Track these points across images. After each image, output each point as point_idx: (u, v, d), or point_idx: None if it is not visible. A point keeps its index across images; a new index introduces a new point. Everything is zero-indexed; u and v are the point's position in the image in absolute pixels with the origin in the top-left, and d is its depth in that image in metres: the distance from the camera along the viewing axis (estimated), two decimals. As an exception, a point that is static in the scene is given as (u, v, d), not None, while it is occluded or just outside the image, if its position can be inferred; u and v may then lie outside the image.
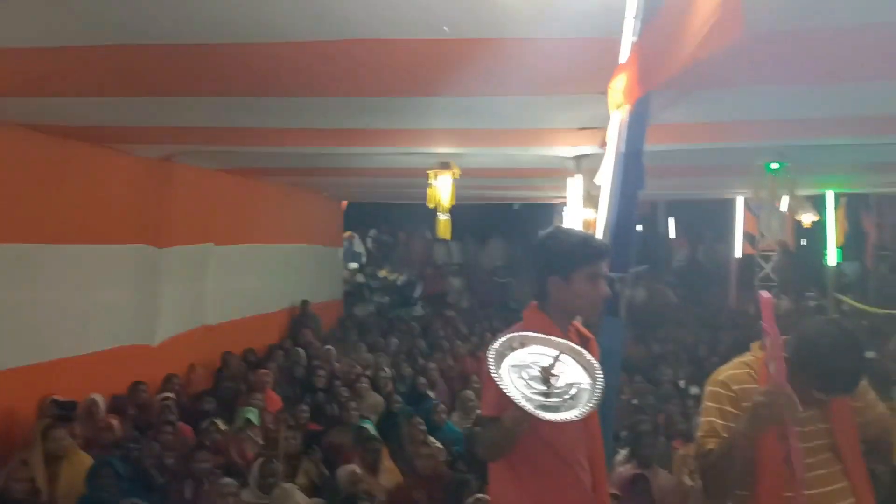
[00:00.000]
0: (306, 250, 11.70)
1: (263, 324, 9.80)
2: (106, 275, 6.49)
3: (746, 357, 2.47)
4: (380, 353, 9.12)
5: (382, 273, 17.05)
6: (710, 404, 2.41)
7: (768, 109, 4.90)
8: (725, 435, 2.31)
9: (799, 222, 11.89)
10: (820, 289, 12.65)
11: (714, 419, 2.37)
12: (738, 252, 13.70)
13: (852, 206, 12.64)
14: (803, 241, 14.44)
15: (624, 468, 5.17)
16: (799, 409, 2.13)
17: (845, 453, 2.34)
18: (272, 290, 10.21)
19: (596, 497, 2.51)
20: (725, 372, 2.45)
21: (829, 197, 11.70)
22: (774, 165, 6.81)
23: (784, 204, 7.14)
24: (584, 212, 6.55)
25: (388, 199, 14.22)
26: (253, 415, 6.11)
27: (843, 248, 12.29)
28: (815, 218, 12.00)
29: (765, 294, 2.11)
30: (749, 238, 13.57)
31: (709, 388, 2.45)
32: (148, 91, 4.48)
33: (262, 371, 7.40)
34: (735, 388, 2.37)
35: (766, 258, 14.03)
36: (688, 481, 5.00)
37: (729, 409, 2.35)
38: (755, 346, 2.48)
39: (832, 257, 11.97)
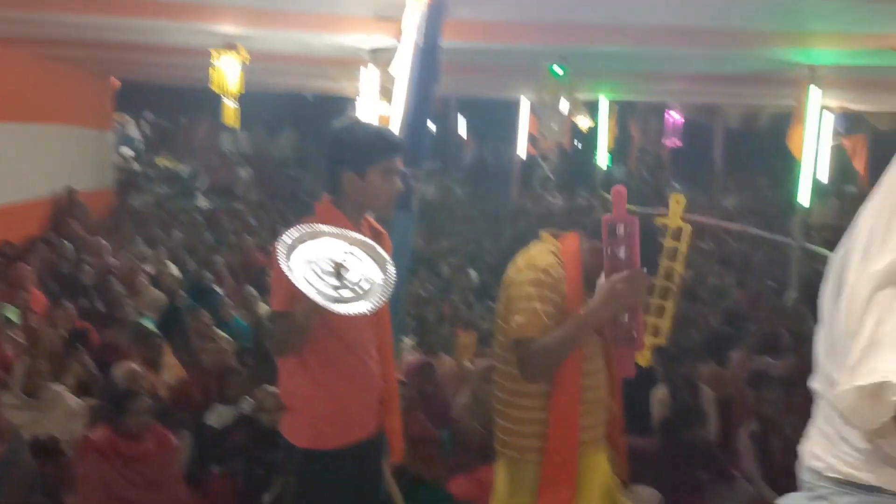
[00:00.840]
0: (68, 131, 10.50)
1: (19, 213, 8.78)
2: None
3: (547, 245, 2.51)
4: (159, 247, 8.60)
5: (161, 161, 15.86)
6: (532, 290, 2.39)
7: (554, 12, 5.10)
8: (546, 320, 2.35)
9: (576, 125, 12.73)
10: (590, 188, 13.75)
11: (536, 305, 2.37)
12: (521, 152, 14.41)
13: (621, 113, 13.68)
14: (578, 144, 15.50)
15: (411, 356, 5.41)
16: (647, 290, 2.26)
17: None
18: (27, 175, 9.10)
19: (385, 385, 2.60)
20: (543, 259, 2.44)
21: (603, 103, 12.56)
22: (557, 69, 7.11)
23: (563, 107, 7.54)
24: (379, 105, 6.48)
25: (166, 79, 13.03)
26: (13, 313, 5.56)
27: (613, 152, 13.37)
28: (591, 123, 12.92)
29: (619, 186, 2.23)
30: (532, 139, 14.32)
31: (528, 275, 2.42)
32: None
33: (23, 266, 6.73)
34: (554, 274, 2.41)
35: (546, 158, 14.99)
36: (468, 365, 5.35)
37: (549, 294, 2.38)
38: (546, 234, 2.55)
39: (603, 159, 12.99)
